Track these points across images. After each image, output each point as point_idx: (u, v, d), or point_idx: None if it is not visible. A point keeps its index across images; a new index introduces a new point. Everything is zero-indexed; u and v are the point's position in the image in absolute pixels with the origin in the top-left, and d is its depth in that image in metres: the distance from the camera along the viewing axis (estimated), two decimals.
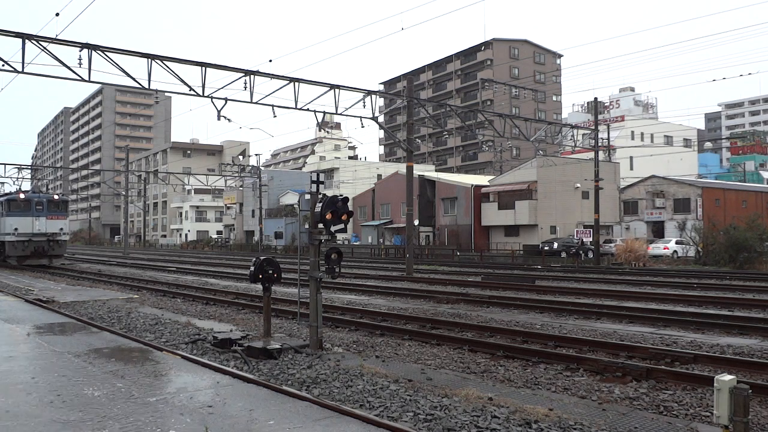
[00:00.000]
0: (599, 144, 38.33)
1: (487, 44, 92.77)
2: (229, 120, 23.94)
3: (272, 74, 22.47)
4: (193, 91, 20.77)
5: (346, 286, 21.16)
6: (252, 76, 21.69)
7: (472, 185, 54.28)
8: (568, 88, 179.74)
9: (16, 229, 30.77)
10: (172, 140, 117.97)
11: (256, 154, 65.26)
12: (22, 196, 31.55)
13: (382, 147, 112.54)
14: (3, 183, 52.78)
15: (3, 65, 18.00)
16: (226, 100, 21.75)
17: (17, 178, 48.15)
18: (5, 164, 46.81)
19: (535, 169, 51.29)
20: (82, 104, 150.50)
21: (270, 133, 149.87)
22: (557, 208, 50.96)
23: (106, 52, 18.89)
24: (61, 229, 32.41)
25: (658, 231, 52.22)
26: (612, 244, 43.47)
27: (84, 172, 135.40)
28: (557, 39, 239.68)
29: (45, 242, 31.83)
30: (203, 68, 20.68)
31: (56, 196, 33.32)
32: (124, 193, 61.47)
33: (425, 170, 67.88)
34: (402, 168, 59.70)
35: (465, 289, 20.42)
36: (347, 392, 6.96)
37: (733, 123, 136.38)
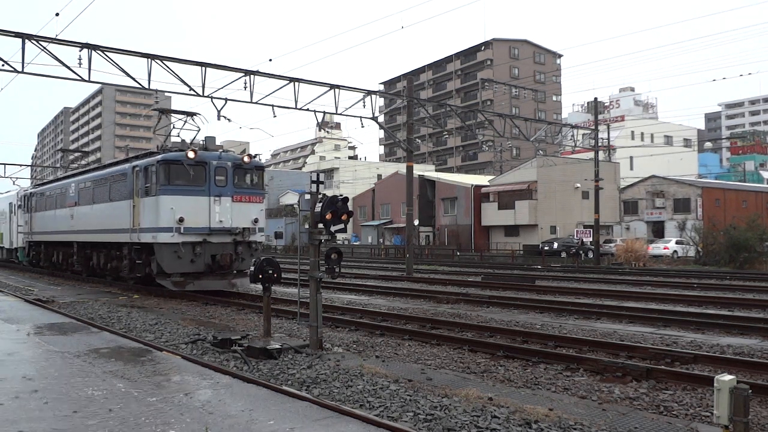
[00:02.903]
0: (599, 144, 38.33)
1: (487, 44, 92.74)
2: (229, 120, 23.91)
3: (272, 74, 22.46)
4: (193, 91, 20.76)
5: (346, 286, 21.15)
6: (252, 76, 21.68)
7: (472, 185, 54.31)
8: (568, 88, 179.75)
9: (180, 219, 16.07)
10: (172, 140, 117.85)
11: (256, 154, 65.23)
12: (191, 154, 16.46)
13: (382, 147, 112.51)
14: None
15: (3, 65, 17.98)
16: (226, 100, 21.74)
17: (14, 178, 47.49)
18: (5, 164, 46.80)
19: (535, 169, 51.30)
20: (82, 104, 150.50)
21: (270, 133, 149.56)
22: (557, 208, 50.97)
23: (106, 52, 18.87)
24: (256, 221, 17.69)
25: (658, 231, 52.22)
26: (612, 244, 43.48)
27: None
28: (557, 39, 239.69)
29: (230, 246, 17.09)
30: (203, 68, 20.67)
31: (246, 158, 17.99)
32: None
33: (425, 170, 67.91)
34: (402, 168, 59.71)
35: (465, 289, 20.42)
36: (347, 392, 6.96)
37: (733, 123, 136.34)
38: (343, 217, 9.31)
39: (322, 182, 9.78)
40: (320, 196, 9.36)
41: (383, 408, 6.33)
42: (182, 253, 16.23)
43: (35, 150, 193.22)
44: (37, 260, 28.80)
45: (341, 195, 9.41)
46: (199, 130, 20.88)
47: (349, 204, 9.46)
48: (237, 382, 7.27)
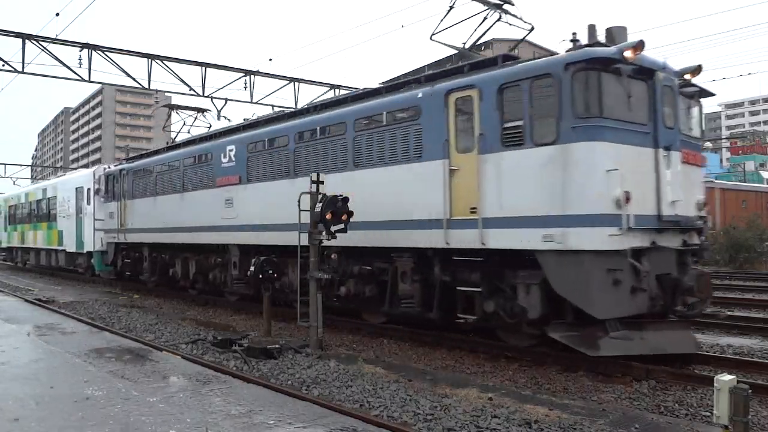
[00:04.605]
0: None
1: (487, 44, 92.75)
2: (229, 120, 23.96)
3: (272, 74, 22.49)
4: (193, 91, 20.79)
5: None
6: (252, 76, 21.72)
7: None
8: None
9: (626, 197, 7.57)
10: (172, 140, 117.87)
11: None
12: (629, 53, 7.68)
13: None
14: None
15: (3, 65, 18.03)
16: (226, 100, 21.77)
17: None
18: (5, 164, 46.81)
19: None
20: (82, 104, 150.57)
21: None
22: None
23: (106, 52, 18.91)
24: (702, 204, 9.25)
25: None
26: None
27: None
28: (557, 39, 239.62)
29: (676, 256, 8.45)
30: (203, 68, 20.71)
31: (688, 75, 8.94)
32: None
33: None
34: None
35: None
36: (347, 392, 6.97)
37: (733, 123, 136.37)
38: (343, 217, 9.31)
39: (322, 182, 9.76)
40: (320, 196, 9.36)
41: (383, 408, 6.34)
42: (624, 273, 7.65)
43: (35, 150, 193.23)
44: (133, 271, 19.36)
45: (341, 195, 9.40)
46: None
47: (350, 204, 9.45)
48: (237, 382, 7.28)
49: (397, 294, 10.09)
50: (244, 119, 15.85)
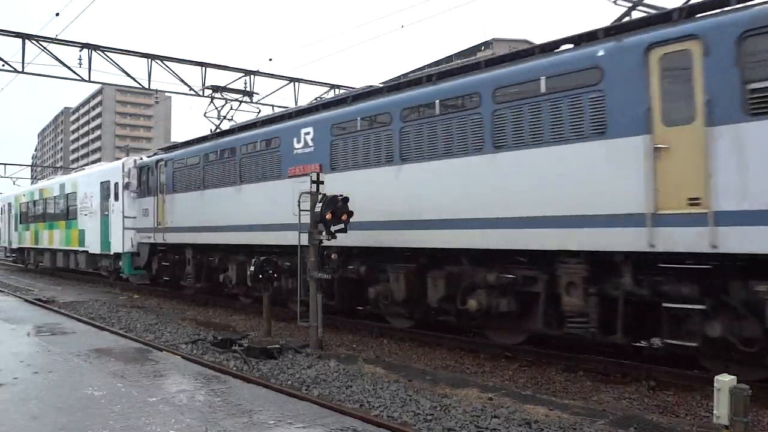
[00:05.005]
0: None
1: (487, 44, 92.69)
2: (229, 120, 23.96)
3: (272, 74, 22.50)
4: (193, 90, 20.80)
5: None
6: (252, 76, 21.72)
7: None
8: None
9: None
10: (172, 140, 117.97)
11: None
12: None
13: None
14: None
15: (3, 65, 18.04)
16: (226, 100, 21.75)
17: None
18: (5, 164, 46.83)
19: None
20: (82, 104, 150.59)
21: None
22: None
23: (106, 52, 18.92)
24: None
25: None
26: None
27: None
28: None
29: None
30: (203, 68, 20.73)
31: None
32: None
33: None
34: None
35: None
36: (347, 392, 6.97)
37: None
38: (343, 217, 9.31)
39: (322, 182, 9.76)
40: (320, 196, 9.36)
41: (383, 408, 6.34)
42: None
43: (35, 150, 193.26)
44: (172, 276, 17.36)
45: (341, 195, 9.41)
46: None
47: (350, 203, 9.45)
48: (237, 382, 7.28)
49: (560, 310, 8.08)
50: (316, 98, 13.80)
